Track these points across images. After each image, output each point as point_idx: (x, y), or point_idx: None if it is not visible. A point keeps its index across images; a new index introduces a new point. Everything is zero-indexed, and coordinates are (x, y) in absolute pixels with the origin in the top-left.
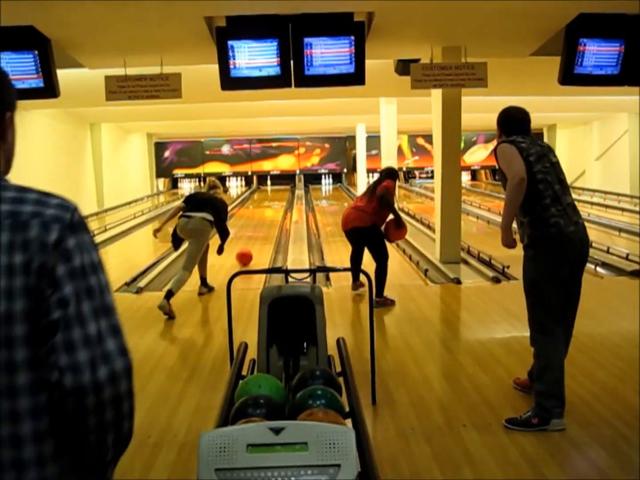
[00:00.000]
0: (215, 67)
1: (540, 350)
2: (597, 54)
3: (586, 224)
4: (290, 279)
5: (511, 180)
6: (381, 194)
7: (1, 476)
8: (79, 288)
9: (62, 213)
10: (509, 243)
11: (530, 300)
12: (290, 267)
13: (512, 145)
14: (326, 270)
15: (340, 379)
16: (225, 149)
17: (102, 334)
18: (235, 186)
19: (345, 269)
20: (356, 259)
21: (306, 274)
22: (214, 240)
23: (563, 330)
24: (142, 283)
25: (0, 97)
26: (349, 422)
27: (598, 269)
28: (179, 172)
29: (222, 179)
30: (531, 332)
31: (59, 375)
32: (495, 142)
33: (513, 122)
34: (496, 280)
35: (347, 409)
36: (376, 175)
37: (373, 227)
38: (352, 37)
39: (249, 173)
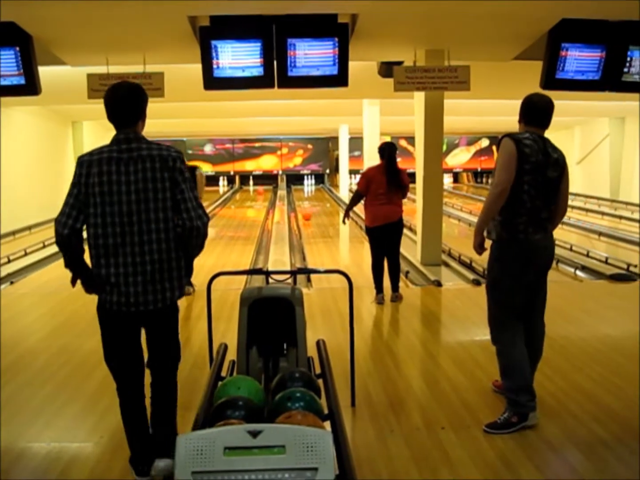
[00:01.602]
0: (198, 67)
1: (503, 348)
2: (579, 59)
3: (567, 227)
4: (270, 280)
5: (494, 188)
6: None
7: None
8: (186, 186)
9: (178, 154)
10: (477, 247)
11: (492, 298)
12: (271, 267)
13: (516, 147)
14: (307, 272)
15: (320, 381)
16: (208, 149)
17: (197, 206)
18: (221, 186)
19: (326, 271)
20: (382, 266)
21: (287, 275)
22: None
23: (527, 330)
24: None
25: (144, 99)
26: (328, 424)
27: (578, 272)
28: None
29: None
30: (492, 332)
31: (184, 222)
32: (476, 146)
33: (534, 112)
34: (476, 283)
35: (326, 411)
36: (359, 177)
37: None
38: (336, 39)
39: (232, 173)
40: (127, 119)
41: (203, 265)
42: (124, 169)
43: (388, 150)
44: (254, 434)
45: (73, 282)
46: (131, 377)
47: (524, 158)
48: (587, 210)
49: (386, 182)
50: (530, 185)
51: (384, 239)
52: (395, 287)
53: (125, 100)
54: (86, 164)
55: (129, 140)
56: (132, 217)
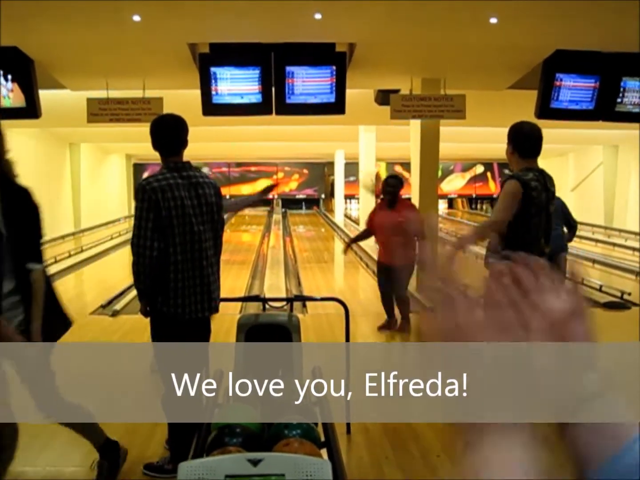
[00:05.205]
0: (197, 92)
1: None
2: (573, 89)
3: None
4: (267, 307)
5: (492, 224)
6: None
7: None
8: (221, 208)
9: (216, 182)
10: (455, 246)
11: None
12: (266, 292)
13: (522, 189)
14: (304, 299)
15: (316, 409)
16: (204, 172)
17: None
18: None
19: (323, 299)
20: (390, 297)
21: (283, 302)
22: None
23: None
24: (118, 306)
25: (187, 130)
26: (324, 451)
27: None
28: None
29: None
30: None
31: (220, 243)
32: (471, 172)
33: (529, 143)
34: None
35: (322, 438)
36: (354, 202)
37: None
38: (334, 67)
39: (227, 197)
40: (175, 148)
41: None
42: (188, 194)
43: (390, 187)
44: (255, 463)
45: (146, 312)
46: None
47: (531, 201)
48: (581, 237)
49: (391, 225)
50: (537, 226)
51: (392, 278)
52: (404, 315)
53: (173, 132)
54: (159, 189)
55: (184, 167)
56: (200, 236)
